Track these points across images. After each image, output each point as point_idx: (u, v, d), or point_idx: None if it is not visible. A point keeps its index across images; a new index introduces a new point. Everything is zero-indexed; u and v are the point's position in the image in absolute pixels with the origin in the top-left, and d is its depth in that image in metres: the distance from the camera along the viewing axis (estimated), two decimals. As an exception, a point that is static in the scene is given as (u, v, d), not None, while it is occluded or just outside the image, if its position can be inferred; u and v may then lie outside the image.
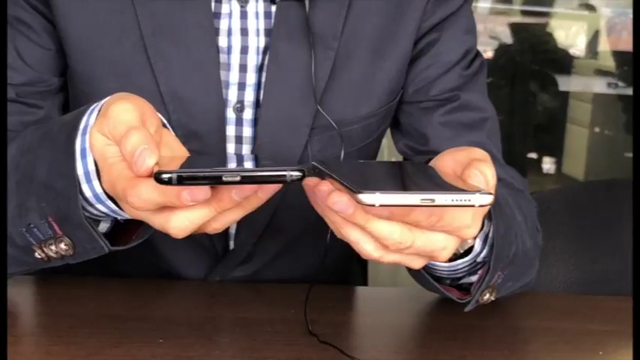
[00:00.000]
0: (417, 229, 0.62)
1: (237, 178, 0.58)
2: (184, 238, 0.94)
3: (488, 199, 0.58)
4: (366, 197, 0.57)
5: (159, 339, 0.77)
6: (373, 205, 0.57)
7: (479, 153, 0.67)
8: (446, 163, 0.68)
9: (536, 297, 0.97)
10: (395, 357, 0.79)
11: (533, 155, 3.93)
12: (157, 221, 0.63)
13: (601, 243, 1.29)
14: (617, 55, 3.75)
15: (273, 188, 0.62)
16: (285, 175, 0.59)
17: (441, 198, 0.57)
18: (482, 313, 0.90)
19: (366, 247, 0.63)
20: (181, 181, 0.58)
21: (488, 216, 0.76)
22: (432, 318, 0.93)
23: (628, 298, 0.89)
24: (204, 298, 0.94)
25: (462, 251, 0.78)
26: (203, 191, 0.59)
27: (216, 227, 0.65)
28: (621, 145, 3.66)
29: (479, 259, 0.79)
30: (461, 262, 0.79)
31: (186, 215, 0.62)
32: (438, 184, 0.63)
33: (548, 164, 3.93)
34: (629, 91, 3.61)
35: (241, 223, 0.95)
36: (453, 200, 0.57)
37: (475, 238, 0.77)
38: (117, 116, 0.63)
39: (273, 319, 0.84)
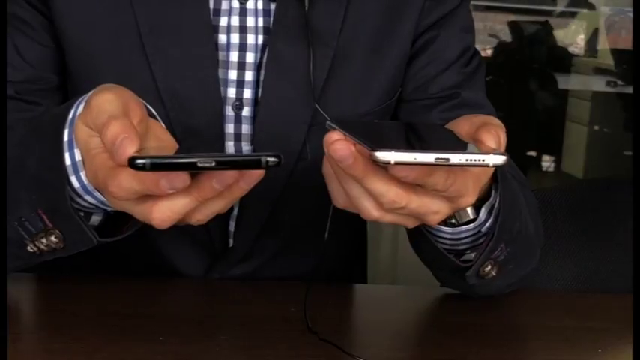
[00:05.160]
0: (412, 191, 0.62)
1: (212, 164, 0.58)
2: (183, 235, 0.95)
3: (502, 160, 0.59)
4: (381, 155, 0.57)
5: (159, 336, 0.77)
6: (389, 163, 0.57)
7: (494, 119, 0.68)
8: (461, 126, 0.69)
9: (535, 294, 0.97)
10: (394, 354, 0.79)
11: (532, 153, 3.93)
12: (140, 212, 0.63)
13: (600, 240, 1.29)
14: (616, 53, 3.76)
15: (255, 177, 0.61)
16: (260, 161, 0.58)
17: (455, 157, 0.58)
18: (482, 310, 0.90)
19: (366, 205, 0.64)
20: (155, 166, 0.57)
21: (496, 187, 0.77)
22: (431, 315, 0.94)
23: (627, 296, 0.89)
24: (203, 295, 0.94)
25: (460, 222, 0.78)
26: (181, 178, 0.59)
27: (199, 218, 0.65)
28: (620, 143, 3.66)
29: (483, 229, 0.80)
30: (465, 229, 0.79)
31: (168, 205, 0.62)
32: (453, 144, 0.64)
33: (547, 162, 3.94)
34: (628, 90, 3.61)
35: (240, 221, 0.95)
36: (467, 160, 0.58)
37: (480, 207, 0.78)
38: (99, 107, 0.63)
39: (273, 317, 0.84)
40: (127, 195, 0.61)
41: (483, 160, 0.58)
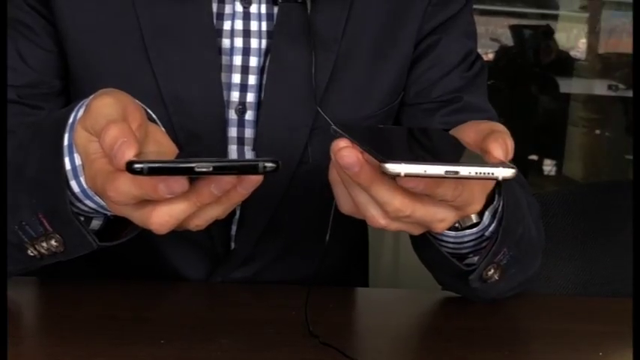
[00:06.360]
0: (417, 199, 0.62)
1: (210, 169, 0.58)
2: (185, 239, 0.95)
3: (511, 172, 0.59)
4: (391, 167, 0.57)
5: (160, 340, 0.77)
6: (398, 175, 0.57)
7: (500, 126, 0.68)
8: (467, 133, 0.68)
9: (536, 298, 0.97)
10: (395, 358, 0.79)
11: (533, 157, 3.93)
12: (138, 216, 0.63)
13: (601, 244, 1.29)
14: (618, 57, 3.76)
15: (253, 182, 0.61)
16: (257, 166, 0.58)
17: (465, 170, 0.58)
18: (483, 314, 0.90)
19: (372, 212, 0.64)
20: (153, 171, 0.57)
21: (499, 191, 0.77)
22: (432, 319, 0.94)
23: (628, 300, 0.89)
24: (205, 299, 0.94)
25: (464, 225, 0.79)
26: (179, 183, 0.59)
27: (197, 224, 0.64)
28: (621, 146, 3.66)
29: (487, 233, 0.80)
30: (468, 233, 0.79)
31: (166, 210, 0.61)
32: (461, 155, 0.64)
33: (548, 166, 3.94)
34: (630, 93, 3.61)
35: (242, 224, 0.96)
36: (476, 173, 0.58)
37: (484, 211, 0.78)
38: (98, 111, 0.63)
39: (274, 321, 0.84)
40: (126, 199, 0.61)
41: (492, 174, 0.58)
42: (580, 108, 3.85)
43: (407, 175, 0.58)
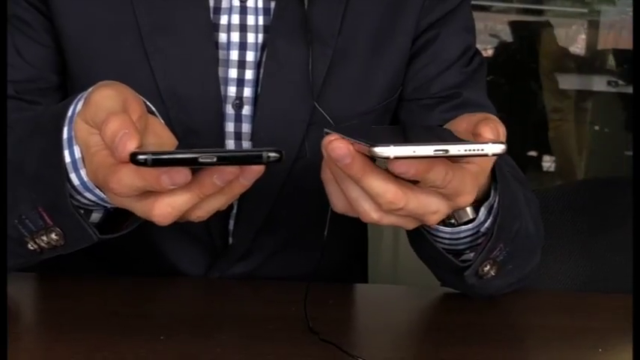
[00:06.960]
0: (410, 191, 0.62)
1: (214, 159, 0.58)
2: (184, 235, 0.95)
3: (501, 148, 0.59)
4: (380, 150, 0.57)
5: (160, 336, 0.77)
6: (388, 158, 0.57)
7: (492, 116, 0.68)
8: (459, 124, 0.69)
9: (535, 294, 0.97)
10: (395, 354, 0.79)
11: (533, 153, 3.93)
12: (140, 208, 0.63)
13: (600, 241, 1.29)
14: (617, 53, 3.76)
15: (255, 173, 0.61)
16: (261, 156, 0.59)
17: (454, 148, 0.58)
18: (482, 310, 0.90)
19: (365, 207, 0.64)
20: (157, 162, 0.57)
21: (495, 187, 0.77)
22: (431, 315, 0.94)
23: (627, 296, 0.89)
24: (204, 294, 0.94)
25: (460, 222, 0.79)
26: (182, 174, 0.59)
27: (200, 215, 0.65)
28: (621, 143, 3.66)
29: (482, 229, 0.80)
30: (464, 229, 0.79)
31: (169, 201, 0.62)
32: (450, 137, 0.64)
33: (547, 162, 3.94)
34: (629, 90, 3.61)
35: (239, 219, 0.95)
36: (466, 150, 0.58)
37: (480, 207, 0.78)
38: (98, 103, 0.63)
39: (274, 317, 0.84)
40: (128, 191, 0.61)
41: (482, 150, 0.59)
42: (579, 104, 3.86)
43: (396, 158, 0.57)
